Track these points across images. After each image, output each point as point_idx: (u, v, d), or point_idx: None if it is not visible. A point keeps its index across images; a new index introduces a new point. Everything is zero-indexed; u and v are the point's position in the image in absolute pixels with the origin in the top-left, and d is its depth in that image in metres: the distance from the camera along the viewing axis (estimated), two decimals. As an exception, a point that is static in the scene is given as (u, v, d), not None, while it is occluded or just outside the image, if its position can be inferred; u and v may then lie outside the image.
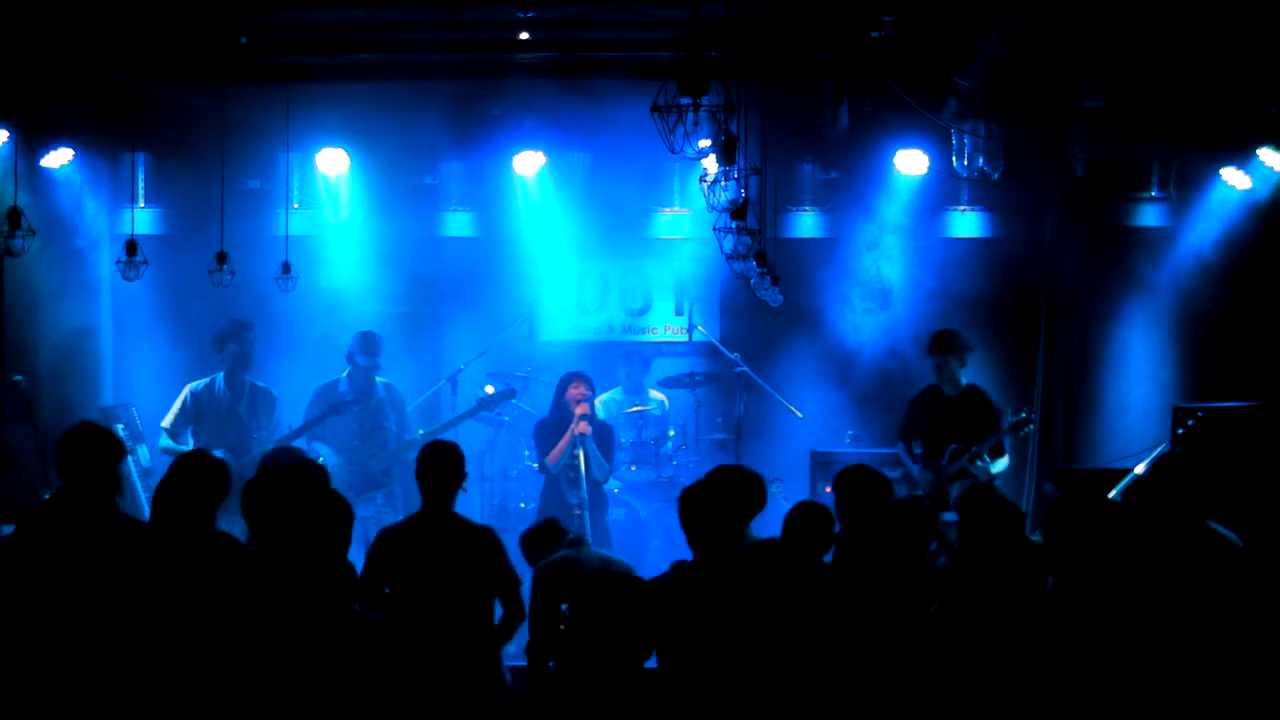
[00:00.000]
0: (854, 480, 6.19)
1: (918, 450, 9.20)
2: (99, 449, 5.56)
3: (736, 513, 5.53)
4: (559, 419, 9.17)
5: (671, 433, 10.31)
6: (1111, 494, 8.34)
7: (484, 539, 6.18)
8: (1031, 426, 9.34)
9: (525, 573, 6.48)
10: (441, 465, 6.19)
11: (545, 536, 6.61)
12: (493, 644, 6.18)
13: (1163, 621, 4.78)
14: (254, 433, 9.28)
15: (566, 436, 9.08)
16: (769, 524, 9.89)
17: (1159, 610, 4.85)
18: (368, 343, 9.50)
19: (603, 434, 9.26)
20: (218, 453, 8.76)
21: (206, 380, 9.40)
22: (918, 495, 8.26)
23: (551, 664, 6.11)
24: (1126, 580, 4.75)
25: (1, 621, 5.30)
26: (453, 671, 5.92)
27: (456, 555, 6.07)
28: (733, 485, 5.80)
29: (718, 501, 5.43)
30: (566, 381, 9.24)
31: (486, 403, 9.79)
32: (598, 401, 9.72)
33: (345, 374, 9.54)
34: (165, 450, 9.15)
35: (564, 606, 6.01)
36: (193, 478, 5.53)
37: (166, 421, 9.29)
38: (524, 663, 6.32)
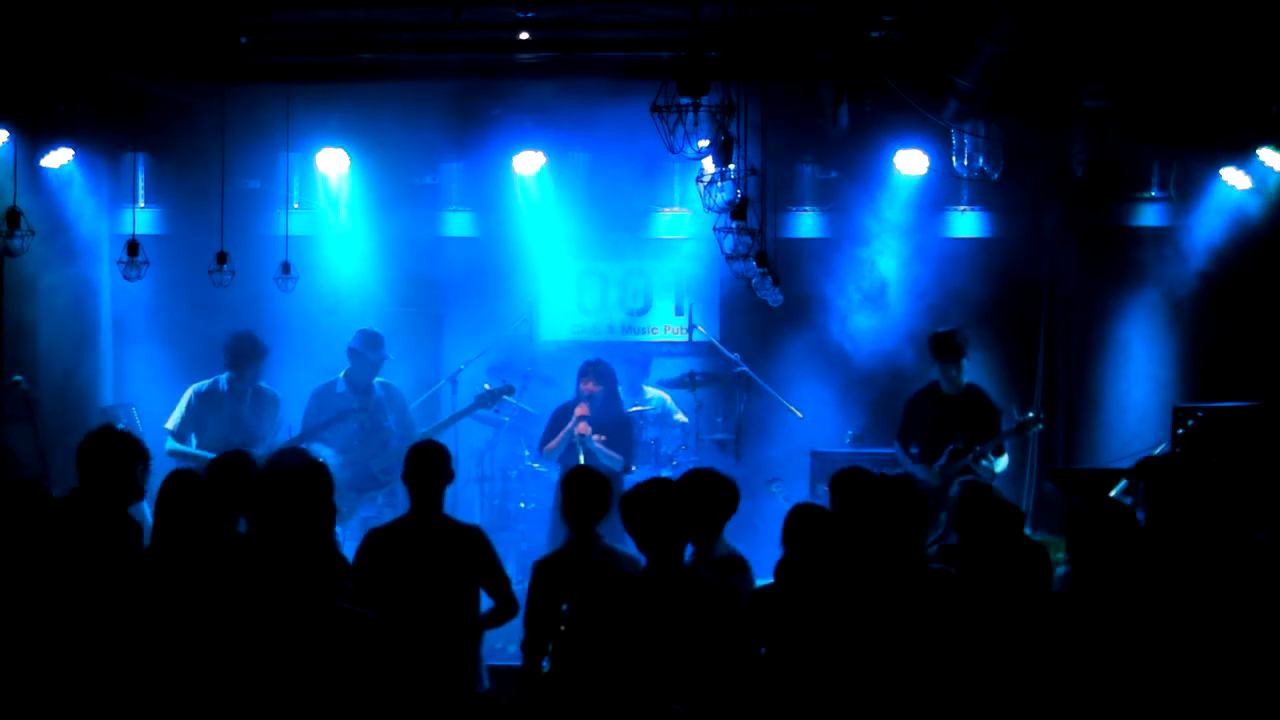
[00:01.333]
0: (850, 482, 6.20)
1: (914, 450, 9.20)
2: (120, 453, 5.63)
3: (692, 518, 5.42)
4: (572, 410, 9.22)
5: (681, 416, 10.27)
6: (1111, 494, 8.34)
7: (472, 539, 6.14)
8: (1040, 426, 9.37)
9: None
10: (427, 466, 6.15)
11: (589, 490, 6.23)
12: (477, 642, 6.14)
13: (1170, 622, 4.78)
14: (258, 435, 9.25)
15: (562, 433, 9.13)
16: (769, 523, 9.93)
17: (1164, 611, 4.85)
18: (371, 337, 9.50)
19: (619, 426, 9.23)
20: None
21: (210, 381, 9.34)
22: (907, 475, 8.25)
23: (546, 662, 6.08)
24: (1138, 581, 4.76)
25: (11, 619, 5.31)
26: (436, 673, 5.89)
27: (445, 556, 6.03)
28: (695, 490, 5.82)
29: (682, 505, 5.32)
30: (582, 373, 9.27)
31: (484, 399, 9.79)
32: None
33: (343, 374, 9.51)
34: (172, 453, 9.10)
35: (564, 606, 5.99)
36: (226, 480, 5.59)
37: (172, 423, 9.25)
38: (519, 662, 6.26)
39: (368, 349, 9.44)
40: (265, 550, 4.54)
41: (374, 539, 6.16)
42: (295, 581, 4.51)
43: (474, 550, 6.09)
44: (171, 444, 9.16)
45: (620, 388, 10.44)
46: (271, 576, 4.52)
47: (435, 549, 6.02)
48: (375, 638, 4.52)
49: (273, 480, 5.37)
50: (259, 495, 5.36)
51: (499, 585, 6.16)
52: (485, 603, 6.25)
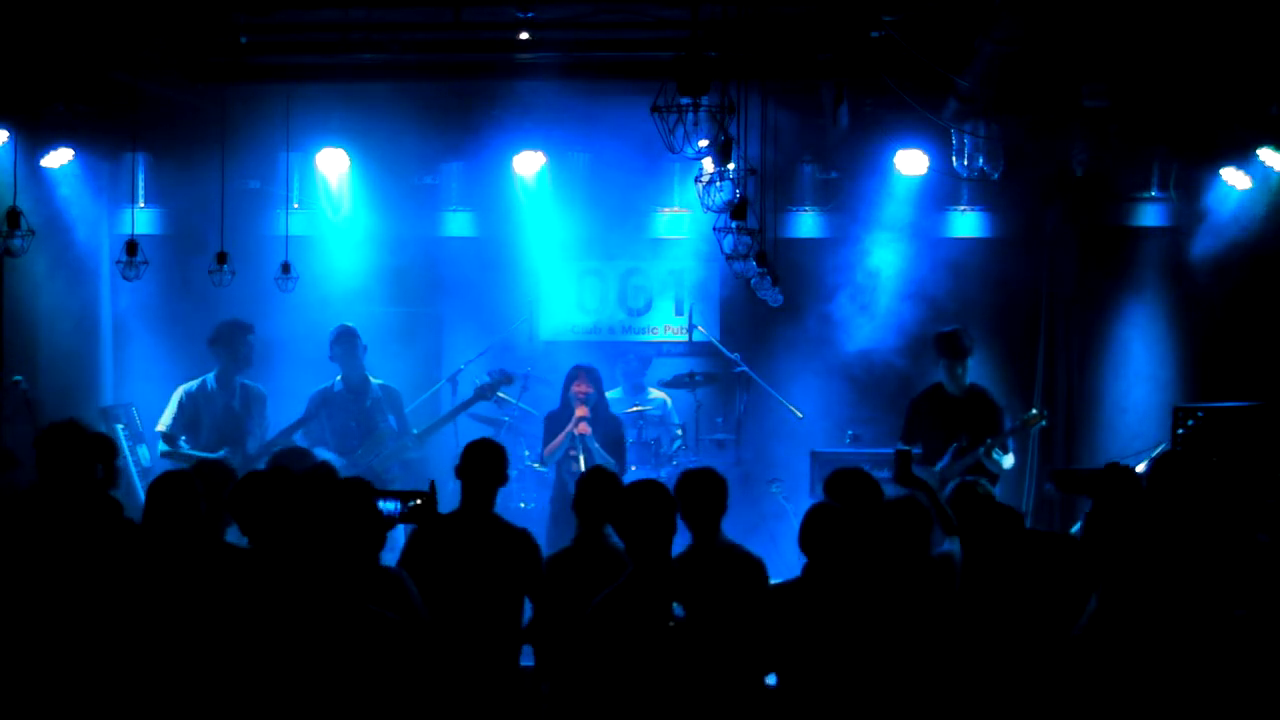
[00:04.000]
0: (846, 483, 6.22)
1: (917, 451, 9.19)
2: (75, 447, 5.66)
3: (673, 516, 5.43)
4: (565, 413, 9.23)
5: (679, 431, 10.26)
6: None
7: (520, 541, 6.10)
8: (1043, 423, 9.38)
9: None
10: (483, 463, 6.12)
11: (601, 488, 6.29)
12: (517, 644, 6.12)
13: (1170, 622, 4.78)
14: (249, 430, 9.29)
15: (562, 435, 9.14)
16: (769, 523, 9.93)
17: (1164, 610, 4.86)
18: (337, 335, 9.45)
19: (610, 430, 9.26)
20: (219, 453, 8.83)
21: (198, 381, 9.40)
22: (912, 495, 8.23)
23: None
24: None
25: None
26: (474, 669, 5.87)
27: (491, 554, 6.00)
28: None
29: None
30: (572, 376, 9.29)
31: (483, 391, 9.75)
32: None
33: (339, 377, 9.53)
34: (165, 455, 9.14)
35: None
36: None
37: (164, 425, 9.27)
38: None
39: (335, 344, 9.44)
40: (287, 557, 4.55)
41: (421, 532, 6.13)
42: (320, 587, 4.51)
43: (520, 553, 6.04)
44: (163, 446, 9.21)
45: (621, 388, 10.48)
46: (294, 582, 4.53)
47: (483, 547, 5.98)
48: (405, 640, 4.52)
49: (257, 483, 5.40)
50: (250, 497, 5.37)
51: (541, 592, 6.09)
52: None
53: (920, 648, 4.86)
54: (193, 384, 9.39)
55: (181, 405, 9.29)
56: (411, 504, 6.19)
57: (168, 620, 5.02)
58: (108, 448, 6.06)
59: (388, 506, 6.06)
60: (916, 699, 4.86)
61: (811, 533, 5.42)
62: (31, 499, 5.76)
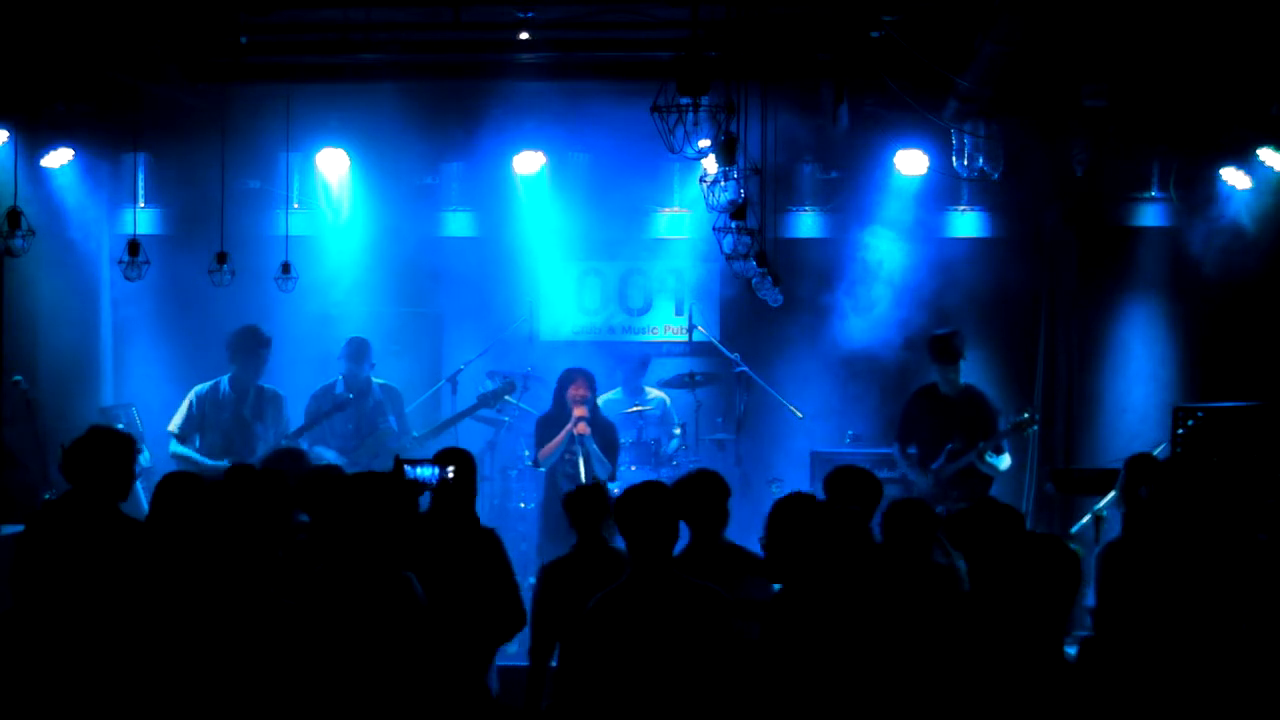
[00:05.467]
0: (845, 481, 6.21)
1: (913, 451, 9.20)
2: (115, 452, 5.64)
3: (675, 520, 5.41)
4: (559, 416, 9.23)
5: (678, 430, 10.24)
6: (1110, 495, 8.35)
7: (485, 540, 6.12)
8: (1035, 427, 9.37)
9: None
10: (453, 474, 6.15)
11: (591, 500, 6.37)
12: (486, 646, 6.12)
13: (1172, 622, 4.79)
14: (259, 435, 9.29)
15: (561, 435, 9.13)
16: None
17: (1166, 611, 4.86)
18: (348, 350, 9.57)
19: (605, 433, 9.27)
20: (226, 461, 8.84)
21: (211, 383, 9.42)
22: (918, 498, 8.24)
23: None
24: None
25: (15, 619, 5.32)
26: (448, 674, 5.87)
27: (458, 556, 6.01)
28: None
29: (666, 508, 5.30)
30: (567, 379, 9.29)
31: (486, 399, 9.81)
32: (600, 400, 9.71)
33: (341, 376, 9.56)
34: (176, 456, 9.17)
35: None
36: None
37: (175, 425, 9.32)
38: (524, 662, 6.25)
39: (345, 359, 9.56)
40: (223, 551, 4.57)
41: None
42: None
43: (486, 551, 6.05)
44: (175, 446, 9.25)
45: (620, 388, 10.48)
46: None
47: (450, 548, 5.98)
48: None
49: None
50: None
51: (507, 591, 6.11)
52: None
53: (921, 651, 4.85)
54: (205, 386, 9.41)
55: (191, 407, 9.34)
56: (449, 470, 6.18)
57: (172, 620, 5.02)
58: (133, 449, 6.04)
59: (423, 473, 6.07)
60: (917, 701, 4.85)
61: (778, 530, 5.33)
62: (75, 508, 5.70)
